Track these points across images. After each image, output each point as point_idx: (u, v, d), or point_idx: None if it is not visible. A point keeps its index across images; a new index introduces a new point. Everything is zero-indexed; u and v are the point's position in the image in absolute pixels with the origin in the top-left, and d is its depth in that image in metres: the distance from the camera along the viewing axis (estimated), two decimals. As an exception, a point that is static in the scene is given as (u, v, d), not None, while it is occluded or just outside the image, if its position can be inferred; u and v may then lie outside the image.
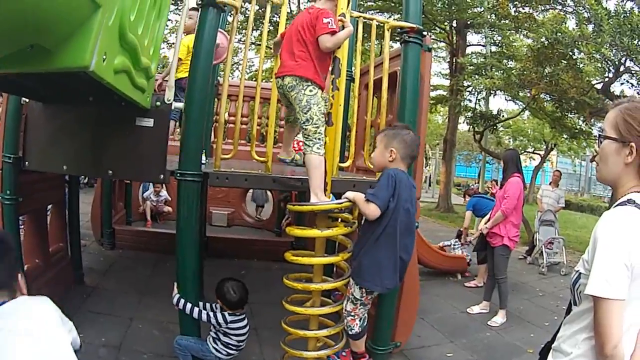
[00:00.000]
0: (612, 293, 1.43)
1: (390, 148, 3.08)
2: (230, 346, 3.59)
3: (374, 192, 2.94)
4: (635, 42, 7.92)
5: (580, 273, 1.61)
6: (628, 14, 8.02)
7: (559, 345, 1.69)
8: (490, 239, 5.68)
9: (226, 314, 3.52)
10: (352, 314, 3.21)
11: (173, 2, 15.08)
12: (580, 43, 8.61)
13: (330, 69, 3.28)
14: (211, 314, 3.50)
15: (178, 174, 3.42)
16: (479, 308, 5.95)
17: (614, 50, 8.57)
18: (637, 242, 1.46)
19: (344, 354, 3.42)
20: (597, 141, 1.73)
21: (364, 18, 4.28)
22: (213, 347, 3.60)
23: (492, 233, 5.72)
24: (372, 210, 2.90)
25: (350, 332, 3.26)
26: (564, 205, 9.75)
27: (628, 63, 9.22)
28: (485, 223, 6.03)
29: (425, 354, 4.64)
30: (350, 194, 3.07)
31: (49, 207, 5.25)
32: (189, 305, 3.51)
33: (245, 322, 3.64)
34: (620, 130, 1.59)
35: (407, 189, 3.03)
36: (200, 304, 3.60)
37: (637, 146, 1.55)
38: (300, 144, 6.22)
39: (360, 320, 3.24)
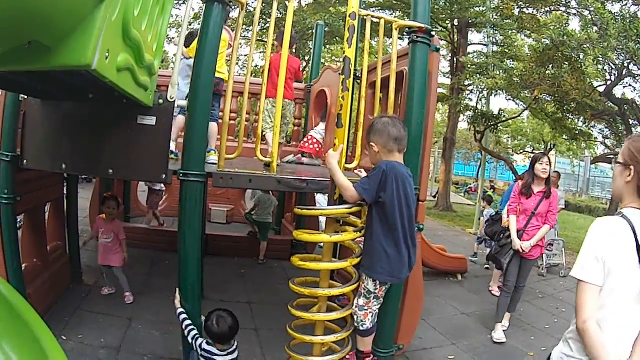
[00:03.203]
0: (584, 276, 1.94)
1: (370, 143, 3.10)
2: None
3: (363, 181, 2.97)
4: (641, 46, 7.90)
5: None
6: (633, 19, 7.99)
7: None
8: (530, 252, 5.16)
9: (206, 346, 3.18)
10: (365, 307, 3.19)
11: (176, -2, 14.98)
12: (586, 46, 8.57)
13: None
14: (197, 343, 3.21)
15: (181, 174, 3.35)
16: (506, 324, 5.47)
17: (618, 54, 8.55)
18: (609, 243, 1.95)
19: (347, 357, 3.36)
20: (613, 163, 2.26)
21: (372, 17, 4.22)
22: None
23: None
24: (351, 192, 2.93)
25: (361, 328, 3.22)
26: (564, 207, 9.69)
27: (632, 67, 9.21)
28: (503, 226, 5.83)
29: (426, 356, 4.62)
30: (330, 164, 3.06)
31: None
32: (186, 324, 3.34)
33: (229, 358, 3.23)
34: (624, 157, 2.07)
35: (404, 179, 3.02)
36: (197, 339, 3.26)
37: (636, 169, 2.00)
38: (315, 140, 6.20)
39: (372, 316, 3.23)
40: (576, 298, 1.96)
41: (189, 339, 3.27)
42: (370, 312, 3.21)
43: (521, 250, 5.10)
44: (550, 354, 2.19)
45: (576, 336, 2.00)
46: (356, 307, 3.21)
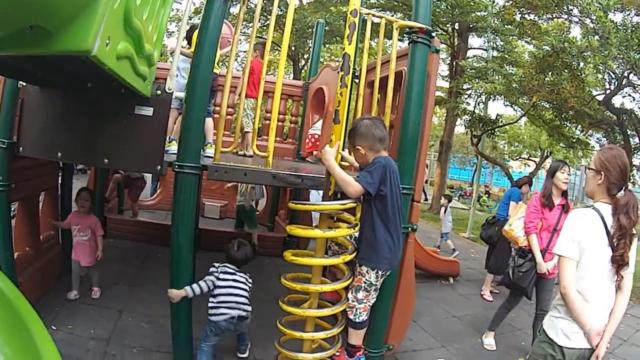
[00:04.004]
0: (562, 252, 2.59)
1: (356, 147, 3.19)
2: (221, 304, 3.69)
3: (365, 175, 3.01)
4: (642, 56, 7.92)
5: None
6: (635, 29, 8.01)
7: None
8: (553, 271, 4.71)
9: (218, 265, 3.86)
10: (365, 300, 3.24)
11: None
12: (586, 54, 8.59)
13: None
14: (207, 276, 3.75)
15: (176, 166, 3.35)
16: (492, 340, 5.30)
17: (619, 63, 8.57)
18: (582, 228, 2.60)
19: (337, 353, 3.36)
20: (586, 169, 2.85)
21: (373, 16, 4.22)
22: (208, 315, 3.71)
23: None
24: (355, 187, 2.96)
25: (357, 321, 3.26)
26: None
27: (631, 77, 9.23)
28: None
29: (416, 358, 4.64)
30: (328, 160, 3.08)
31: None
32: (195, 286, 3.61)
33: (238, 277, 3.84)
34: (596, 164, 2.68)
35: (396, 172, 3.17)
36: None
37: (605, 174, 2.63)
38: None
39: (369, 308, 3.30)
40: (559, 271, 2.59)
41: (207, 278, 3.75)
42: (368, 305, 3.27)
43: (547, 272, 4.65)
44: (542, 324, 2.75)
45: (562, 302, 2.57)
46: (354, 301, 3.23)
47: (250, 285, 3.91)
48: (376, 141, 3.14)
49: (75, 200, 5.00)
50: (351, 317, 3.25)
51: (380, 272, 3.20)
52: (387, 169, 3.02)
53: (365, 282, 3.20)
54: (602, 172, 2.64)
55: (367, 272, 3.19)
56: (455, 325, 5.73)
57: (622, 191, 2.62)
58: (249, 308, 3.81)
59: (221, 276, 3.77)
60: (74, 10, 1.70)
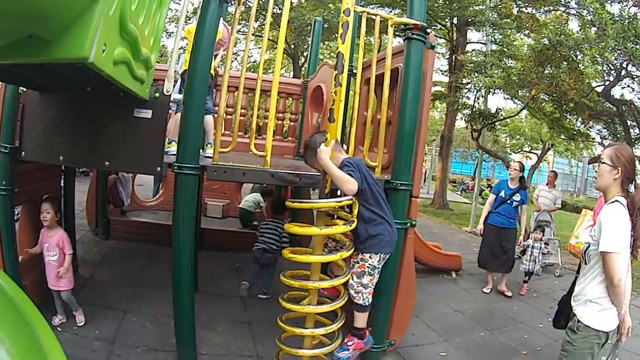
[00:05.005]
0: (618, 249, 2.63)
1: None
2: (257, 242, 5.38)
3: (351, 171, 3.12)
4: (639, 47, 7.89)
5: (589, 244, 2.83)
6: (632, 20, 7.99)
7: (580, 292, 2.91)
8: None
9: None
10: (369, 285, 3.34)
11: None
12: (583, 46, 8.57)
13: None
14: None
15: (175, 167, 3.38)
16: None
17: (617, 55, 8.55)
18: (625, 223, 2.70)
19: (349, 342, 3.42)
20: (598, 164, 2.97)
21: (368, 13, 4.24)
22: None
23: None
24: (353, 184, 3.05)
25: (365, 305, 3.35)
26: (560, 206, 9.63)
27: (630, 67, 9.21)
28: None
29: (419, 353, 4.64)
30: (325, 160, 3.12)
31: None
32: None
33: (271, 226, 5.43)
34: (613, 159, 2.81)
35: (364, 165, 3.31)
36: None
37: (622, 170, 2.78)
38: None
39: (372, 291, 3.40)
40: (612, 265, 2.63)
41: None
42: (372, 288, 3.37)
43: None
44: (575, 320, 2.87)
45: (601, 294, 2.77)
46: (360, 286, 3.32)
47: (280, 230, 5.36)
48: (337, 144, 3.27)
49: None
50: (360, 302, 3.33)
51: (382, 256, 3.34)
52: (355, 164, 3.16)
53: (368, 267, 3.31)
54: (619, 168, 2.79)
55: (370, 257, 3.30)
56: (457, 319, 5.74)
57: (633, 186, 2.84)
58: (274, 246, 5.29)
59: (262, 224, 5.61)
60: (70, 19, 1.74)
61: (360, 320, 3.43)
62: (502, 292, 6.90)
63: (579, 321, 2.84)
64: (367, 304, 3.35)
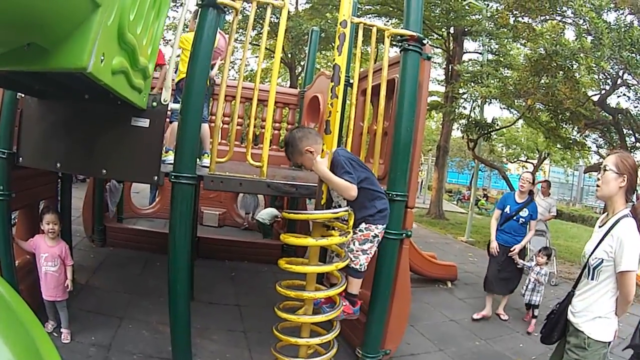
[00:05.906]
0: (635, 267, 2.58)
1: (306, 151, 3.36)
2: None
3: (347, 178, 3.17)
4: (635, 56, 7.94)
5: (602, 259, 2.72)
6: (628, 28, 8.05)
7: (586, 308, 2.83)
8: None
9: None
10: (369, 252, 3.46)
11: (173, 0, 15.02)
12: (579, 56, 8.62)
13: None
14: None
15: (172, 176, 3.40)
16: None
17: (612, 63, 8.60)
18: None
19: (344, 303, 3.46)
20: (601, 172, 2.85)
21: (365, 24, 4.27)
22: None
23: None
24: (354, 190, 3.17)
25: (361, 270, 3.43)
26: (555, 214, 9.55)
27: (626, 76, 9.25)
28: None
29: (414, 362, 4.64)
30: (323, 171, 3.17)
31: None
32: None
33: None
34: (618, 166, 2.75)
35: (351, 154, 3.45)
36: None
37: (627, 178, 2.73)
38: None
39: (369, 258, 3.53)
40: (628, 283, 2.63)
41: None
42: (370, 256, 3.48)
43: None
44: (583, 338, 2.79)
45: (611, 309, 2.76)
46: (359, 251, 3.41)
47: None
48: (318, 137, 3.40)
49: (41, 222, 4.11)
50: (357, 267, 3.40)
51: (382, 228, 3.50)
52: (343, 157, 3.22)
53: (373, 236, 3.43)
54: (626, 175, 2.74)
55: (375, 227, 3.42)
56: (452, 329, 5.75)
57: (635, 197, 2.86)
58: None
59: None
60: (69, 29, 1.76)
61: (355, 285, 3.51)
62: (499, 314, 6.37)
63: (588, 337, 2.77)
64: (362, 270, 3.43)
